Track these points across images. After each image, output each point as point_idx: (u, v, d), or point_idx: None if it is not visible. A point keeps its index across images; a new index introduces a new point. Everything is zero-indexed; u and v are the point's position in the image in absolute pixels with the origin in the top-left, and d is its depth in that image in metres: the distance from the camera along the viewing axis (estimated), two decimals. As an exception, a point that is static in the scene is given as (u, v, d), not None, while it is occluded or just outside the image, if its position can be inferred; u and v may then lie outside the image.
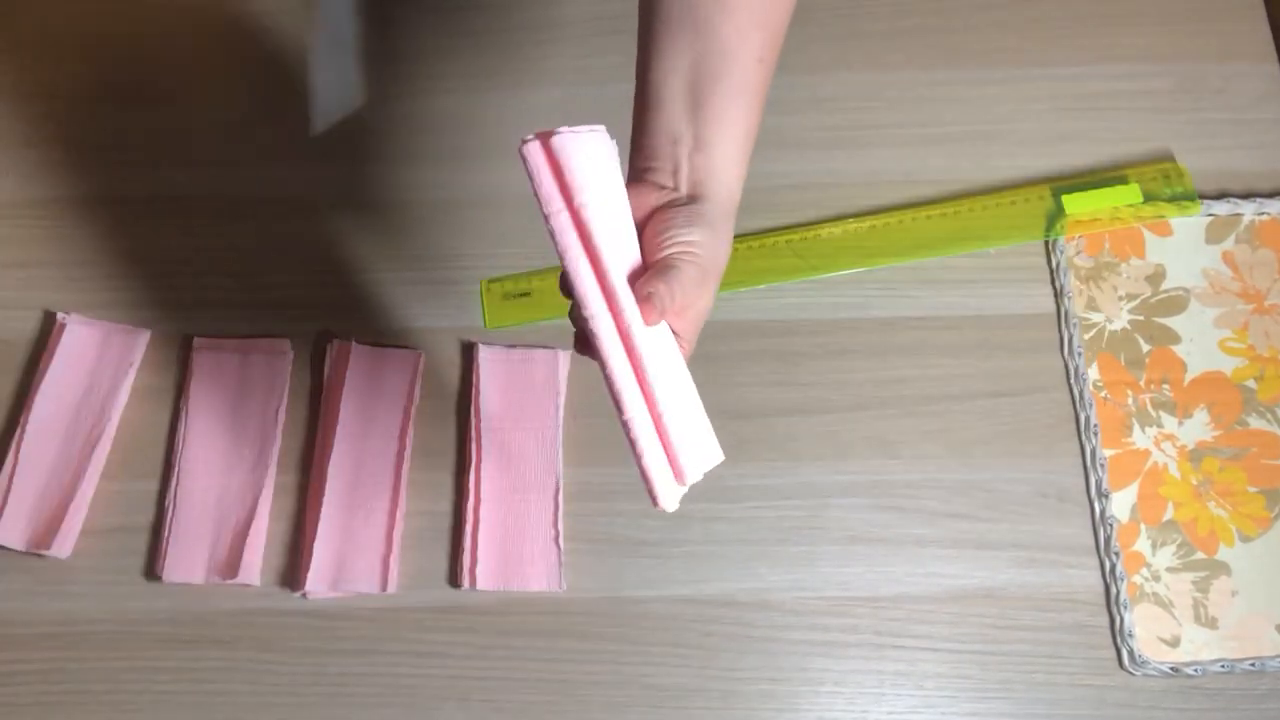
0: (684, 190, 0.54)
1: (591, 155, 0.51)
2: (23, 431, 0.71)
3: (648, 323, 0.50)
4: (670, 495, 0.51)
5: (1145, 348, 0.75)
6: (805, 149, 0.80)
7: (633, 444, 0.50)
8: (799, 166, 0.80)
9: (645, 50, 0.56)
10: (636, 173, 0.55)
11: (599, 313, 0.50)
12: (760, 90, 0.55)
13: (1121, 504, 0.71)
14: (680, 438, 0.51)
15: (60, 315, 0.75)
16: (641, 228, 0.53)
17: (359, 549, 0.69)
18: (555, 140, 0.50)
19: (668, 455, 0.51)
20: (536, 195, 0.50)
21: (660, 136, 0.54)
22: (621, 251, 0.51)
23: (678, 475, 0.51)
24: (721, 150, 0.54)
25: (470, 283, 0.76)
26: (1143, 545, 0.70)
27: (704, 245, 0.52)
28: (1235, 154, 0.80)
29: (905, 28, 0.84)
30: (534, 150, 0.50)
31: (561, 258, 0.50)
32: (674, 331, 0.53)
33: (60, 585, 0.69)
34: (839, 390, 0.74)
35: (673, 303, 0.50)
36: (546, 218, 0.50)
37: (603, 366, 0.50)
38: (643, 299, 0.50)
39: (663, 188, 0.54)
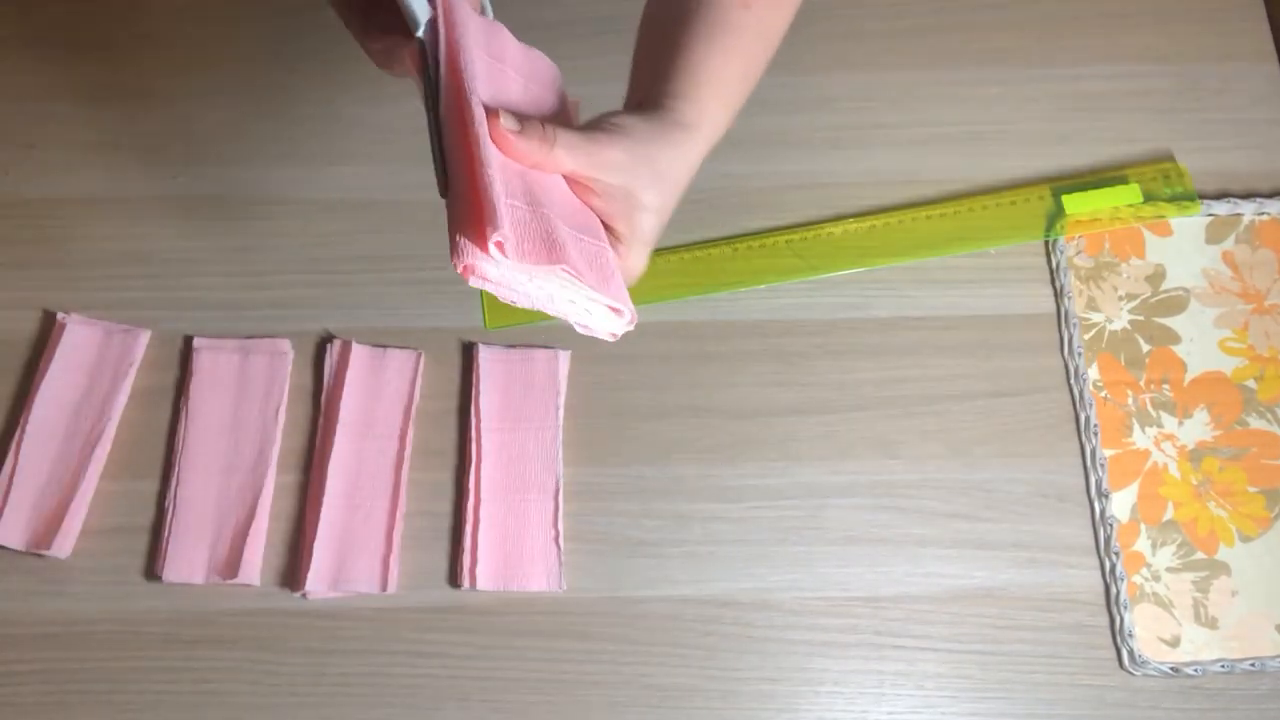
0: (635, 100, 0.54)
1: (489, 31, 0.52)
2: (23, 431, 0.71)
3: (501, 143, 0.48)
4: (466, 249, 0.45)
5: (1145, 348, 0.75)
6: (805, 149, 0.80)
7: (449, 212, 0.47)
8: (799, 166, 0.80)
9: (644, 13, 0.57)
10: None
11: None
12: (743, 31, 0.55)
13: (1121, 504, 0.71)
14: (487, 198, 0.45)
15: (60, 315, 0.75)
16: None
17: (359, 549, 0.69)
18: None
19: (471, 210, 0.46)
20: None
21: (638, 71, 0.56)
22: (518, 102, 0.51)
23: (479, 228, 0.45)
24: (681, 79, 0.53)
25: (470, 283, 0.76)
26: (1143, 545, 0.70)
27: (629, 124, 0.51)
28: (1235, 154, 0.80)
29: (905, 28, 0.84)
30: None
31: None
32: (606, 225, 0.52)
33: (60, 585, 0.69)
34: (839, 390, 0.74)
35: (547, 135, 0.48)
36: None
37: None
38: (491, 114, 0.48)
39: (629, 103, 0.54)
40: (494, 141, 0.48)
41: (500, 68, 0.53)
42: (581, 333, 0.51)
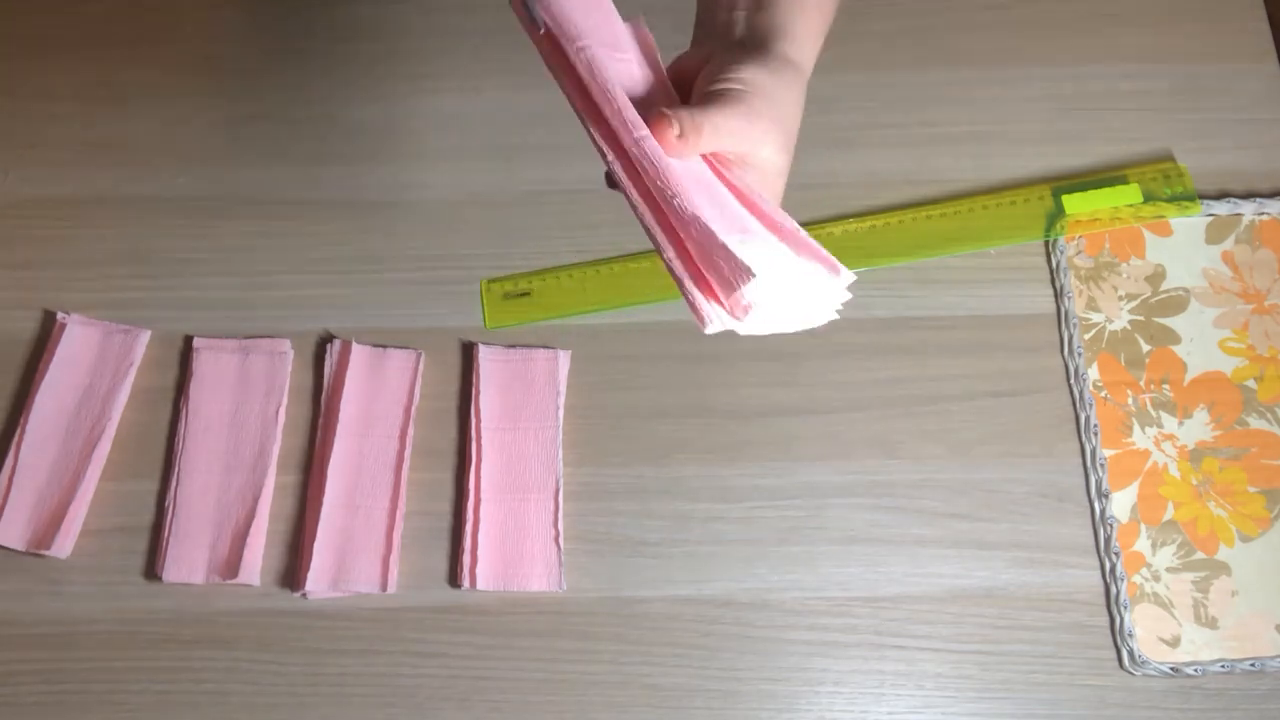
0: (738, 39, 0.51)
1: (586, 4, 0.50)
2: (23, 431, 0.71)
3: (664, 146, 0.46)
4: (714, 315, 0.46)
5: (1145, 348, 0.75)
6: (805, 149, 0.79)
7: (669, 267, 0.46)
8: (799, 166, 0.78)
9: None
10: (694, 45, 0.53)
11: (609, 145, 0.48)
12: None
13: (1121, 504, 0.71)
14: (715, 251, 0.45)
15: (60, 315, 0.75)
16: (694, 78, 0.50)
17: (359, 549, 0.69)
18: None
19: (702, 270, 0.46)
20: (557, 36, 0.49)
21: (718, 9, 0.53)
22: (638, 91, 0.49)
23: (713, 287, 0.45)
24: (785, 11, 0.51)
25: (470, 283, 0.76)
26: (1143, 545, 0.70)
27: (756, 83, 0.48)
28: (1235, 154, 0.80)
29: (905, 28, 0.84)
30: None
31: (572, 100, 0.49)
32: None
33: (60, 585, 0.69)
34: (839, 390, 0.74)
35: (695, 127, 0.46)
36: (570, 53, 0.48)
37: (628, 198, 0.48)
38: (656, 118, 0.46)
39: (723, 43, 0.51)
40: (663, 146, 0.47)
41: (637, 73, 0.51)
42: (808, 327, 0.49)
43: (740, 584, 0.70)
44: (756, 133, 0.48)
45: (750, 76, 0.49)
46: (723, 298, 0.45)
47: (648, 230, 0.47)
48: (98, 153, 0.80)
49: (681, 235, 0.46)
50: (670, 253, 0.47)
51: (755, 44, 0.51)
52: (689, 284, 0.46)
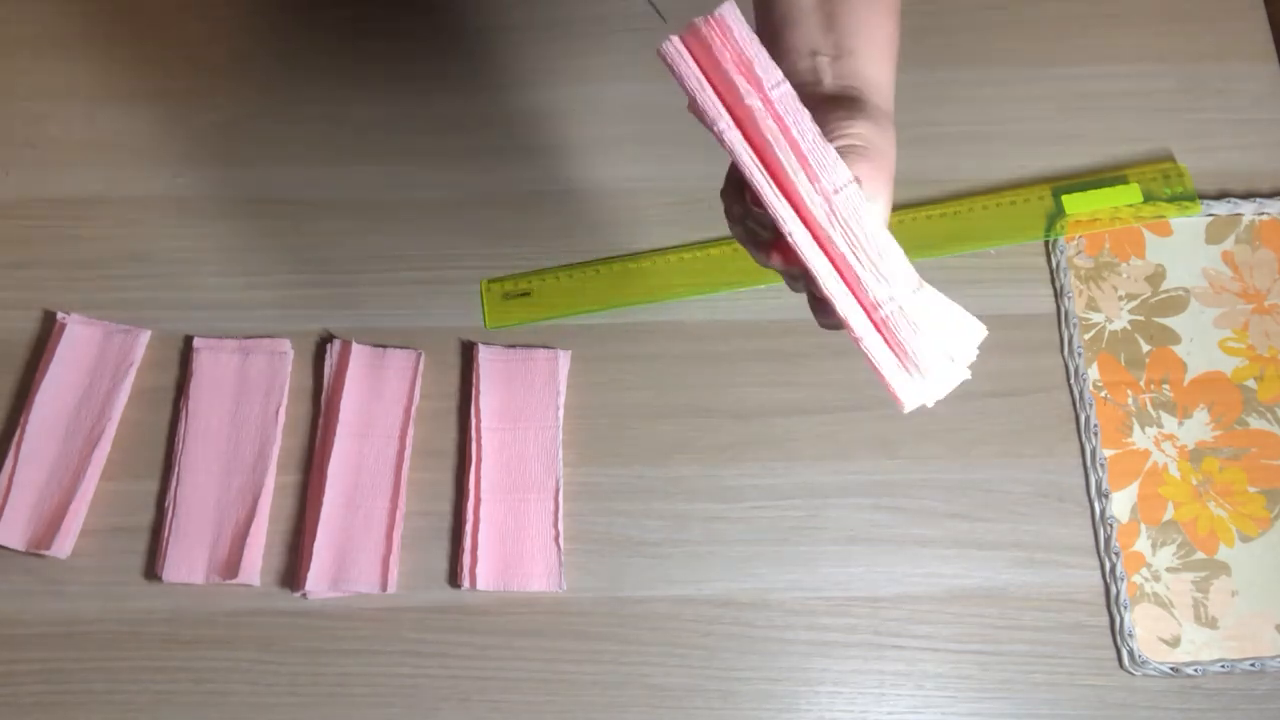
0: (831, 93, 0.50)
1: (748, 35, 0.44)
2: (23, 431, 0.71)
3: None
4: (910, 392, 0.47)
5: (1145, 348, 0.75)
6: (805, 149, 0.80)
7: (860, 346, 0.47)
8: (799, 166, 0.79)
9: None
10: None
11: (795, 227, 0.45)
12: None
13: (1121, 504, 0.71)
14: (905, 331, 0.47)
15: (60, 315, 0.75)
16: None
17: (359, 549, 0.69)
18: (711, 24, 0.42)
19: (894, 351, 0.47)
20: (696, 106, 0.44)
21: (795, 54, 0.51)
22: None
23: (908, 366, 0.47)
24: (866, 54, 0.51)
25: (470, 283, 0.76)
26: (1143, 545, 0.70)
27: (871, 138, 0.48)
28: (1235, 154, 0.80)
29: (905, 27, 0.83)
30: (674, 52, 0.43)
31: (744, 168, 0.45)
32: None
33: (60, 585, 0.69)
34: (839, 390, 0.74)
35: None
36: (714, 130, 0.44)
37: (811, 281, 0.48)
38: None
39: (809, 94, 0.49)
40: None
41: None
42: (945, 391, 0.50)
43: (740, 584, 0.70)
44: (879, 188, 0.48)
45: (866, 133, 0.48)
46: (907, 374, 0.48)
47: (826, 298, 0.48)
48: (98, 153, 0.80)
49: (866, 308, 0.47)
50: (860, 327, 0.48)
51: (850, 97, 0.50)
52: (876, 357, 0.47)
